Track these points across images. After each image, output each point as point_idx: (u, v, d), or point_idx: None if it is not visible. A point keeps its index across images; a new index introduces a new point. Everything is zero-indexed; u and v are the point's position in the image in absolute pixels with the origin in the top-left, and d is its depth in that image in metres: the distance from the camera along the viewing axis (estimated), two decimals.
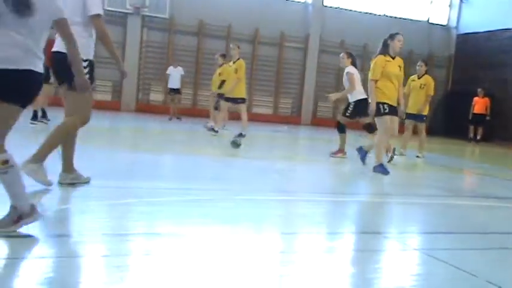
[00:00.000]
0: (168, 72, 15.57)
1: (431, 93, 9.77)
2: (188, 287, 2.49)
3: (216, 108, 12.23)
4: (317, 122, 19.46)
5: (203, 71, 18.14)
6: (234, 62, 10.51)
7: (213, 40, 18.21)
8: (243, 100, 10.42)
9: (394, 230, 4.26)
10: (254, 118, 17.57)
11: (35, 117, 9.84)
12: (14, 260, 2.68)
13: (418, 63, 10.07)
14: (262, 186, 5.68)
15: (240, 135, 9.73)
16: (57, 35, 3.74)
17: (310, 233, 3.83)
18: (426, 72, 9.92)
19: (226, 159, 7.90)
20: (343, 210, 4.87)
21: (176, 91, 15.52)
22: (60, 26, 3.20)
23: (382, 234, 3.96)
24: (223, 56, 12.61)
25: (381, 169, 6.69)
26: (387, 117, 6.80)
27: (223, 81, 11.82)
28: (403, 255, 3.49)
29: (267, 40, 18.70)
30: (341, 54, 8.91)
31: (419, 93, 9.69)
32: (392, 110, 6.86)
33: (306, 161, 8.99)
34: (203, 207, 4.30)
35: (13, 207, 2.94)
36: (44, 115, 10.39)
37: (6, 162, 2.89)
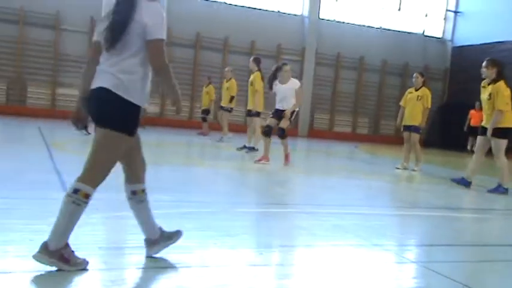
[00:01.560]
0: None
1: (429, 105, 9.72)
2: None
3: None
4: (314, 133, 19.50)
5: (200, 84, 18.19)
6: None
7: (210, 53, 18.28)
8: (257, 113, 10.55)
9: (391, 242, 4.25)
10: None
11: None
12: (8, 274, 2.66)
13: (413, 75, 10.06)
14: (261, 198, 5.68)
15: (253, 149, 9.95)
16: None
17: (309, 246, 3.81)
18: (424, 84, 9.87)
19: (224, 171, 7.89)
20: (340, 222, 4.86)
21: None
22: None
23: (379, 246, 3.95)
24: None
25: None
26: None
27: (232, 97, 12.39)
28: (400, 267, 3.48)
29: (263, 53, 18.75)
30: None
31: (416, 105, 9.70)
32: None
33: (304, 174, 8.98)
34: (200, 219, 4.29)
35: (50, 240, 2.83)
36: None
37: (87, 196, 2.83)
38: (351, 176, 8.55)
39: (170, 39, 17.58)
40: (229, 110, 12.68)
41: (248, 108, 10.89)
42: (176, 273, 2.89)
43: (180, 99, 3.04)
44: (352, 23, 20.20)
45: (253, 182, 7.21)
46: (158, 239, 3.13)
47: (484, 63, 7.46)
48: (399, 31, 21.00)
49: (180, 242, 3.35)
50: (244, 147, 10.45)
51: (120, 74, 2.82)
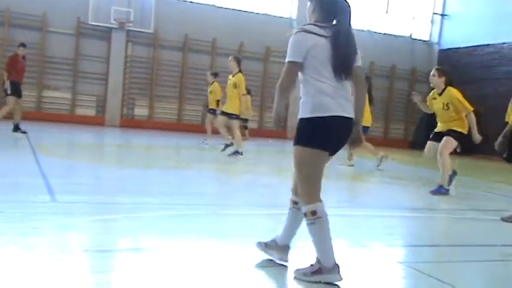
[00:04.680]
0: None
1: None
2: None
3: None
4: None
5: (188, 86, 18.15)
6: (233, 76, 9.92)
7: (197, 55, 18.25)
8: (236, 116, 9.90)
9: (378, 243, 4.26)
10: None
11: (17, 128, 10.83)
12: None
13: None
14: (248, 200, 5.66)
15: (236, 152, 9.69)
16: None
17: (297, 247, 3.81)
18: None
19: (211, 174, 7.87)
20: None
21: None
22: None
23: (367, 247, 3.95)
24: (215, 74, 12.85)
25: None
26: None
27: (218, 101, 12.34)
28: (387, 268, 3.49)
29: (251, 54, 18.79)
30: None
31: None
32: None
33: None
34: (188, 222, 4.27)
35: (317, 259, 2.96)
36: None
37: (314, 213, 2.93)
38: (339, 178, 8.56)
39: (158, 41, 17.55)
40: (215, 114, 12.57)
41: (226, 111, 9.97)
42: (163, 275, 2.86)
43: (274, 121, 3.17)
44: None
45: (241, 183, 7.18)
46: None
47: (432, 72, 7.21)
48: (387, 34, 21.14)
49: (160, 245, 3.33)
50: (226, 146, 10.25)
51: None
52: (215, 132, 10.36)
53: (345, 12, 3.05)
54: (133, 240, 3.53)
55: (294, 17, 19.46)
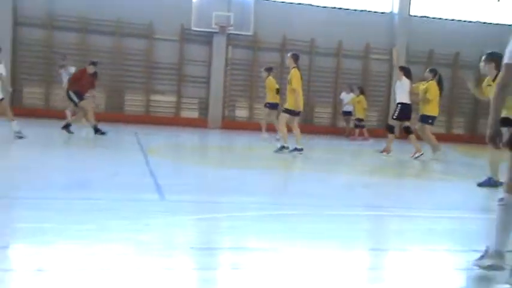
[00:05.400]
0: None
1: None
2: None
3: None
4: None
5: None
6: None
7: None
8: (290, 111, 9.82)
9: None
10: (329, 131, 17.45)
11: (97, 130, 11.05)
12: (109, 271, 2.81)
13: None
14: (350, 201, 5.58)
15: (295, 149, 9.65)
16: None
17: (401, 250, 3.68)
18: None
19: (311, 174, 7.84)
20: (434, 226, 4.65)
21: None
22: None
23: (479, 252, 3.72)
24: (269, 69, 13.42)
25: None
26: None
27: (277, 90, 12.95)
28: (502, 274, 3.25)
29: (350, 53, 18.48)
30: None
31: None
32: None
33: (392, 176, 8.71)
34: (290, 222, 4.29)
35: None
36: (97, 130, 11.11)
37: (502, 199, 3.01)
38: (443, 178, 8.16)
39: (257, 44, 17.83)
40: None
41: (286, 106, 9.96)
42: (266, 273, 2.89)
43: (489, 138, 2.97)
44: (446, 18, 19.30)
45: (340, 183, 7.09)
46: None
47: (483, 58, 6.69)
48: (499, 24, 19.76)
49: (263, 244, 3.37)
50: (295, 149, 9.97)
51: None
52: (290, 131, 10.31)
53: None
54: (237, 239, 3.61)
55: (395, 11, 18.84)
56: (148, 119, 16.95)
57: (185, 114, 17.83)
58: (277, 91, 12.94)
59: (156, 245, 3.28)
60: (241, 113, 18.32)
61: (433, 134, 10.45)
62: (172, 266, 2.95)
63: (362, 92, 16.48)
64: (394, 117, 10.72)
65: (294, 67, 9.89)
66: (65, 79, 12.88)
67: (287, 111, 9.87)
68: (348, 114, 17.13)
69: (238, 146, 12.82)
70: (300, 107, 9.80)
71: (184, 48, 17.51)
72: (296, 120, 10.00)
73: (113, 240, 3.33)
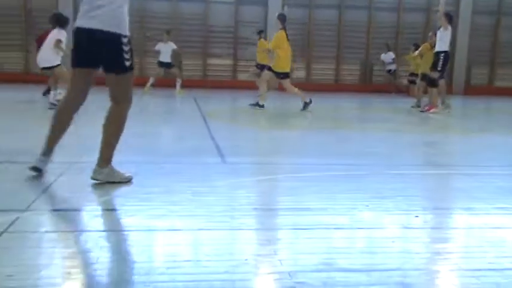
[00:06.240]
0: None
1: None
2: (339, 260, 2.48)
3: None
4: (471, 91, 17.97)
5: (345, 44, 17.84)
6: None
7: (353, 11, 17.75)
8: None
9: None
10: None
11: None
12: (174, 231, 2.91)
13: None
14: (411, 160, 5.47)
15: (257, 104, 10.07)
16: None
17: (468, 209, 3.59)
18: None
19: (373, 133, 7.71)
20: (505, 184, 4.48)
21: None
22: None
23: None
24: (259, 32, 14.05)
25: None
26: None
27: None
28: None
29: (412, 6, 17.75)
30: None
31: None
32: None
33: (460, 133, 8.42)
34: (351, 182, 4.26)
35: None
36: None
37: None
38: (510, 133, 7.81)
39: (313, 1, 17.41)
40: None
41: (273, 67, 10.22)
42: (328, 233, 2.91)
43: None
44: None
45: (403, 143, 6.94)
46: None
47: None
48: None
49: (324, 204, 3.38)
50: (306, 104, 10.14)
51: None
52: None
53: None
54: (297, 200, 3.63)
55: None
56: (204, 83, 17.09)
57: (242, 77, 17.85)
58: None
59: (220, 206, 3.36)
60: (299, 73, 18.13)
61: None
62: (237, 227, 3.01)
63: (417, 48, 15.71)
64: (439, 68, 10.21)
65: (280, 28, 9.92)
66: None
67: (270, 70, 10.12)
68: (391, 73, 17.10)
69: (293, 107, 12.74)
70: (284, 68, 9.96)
71: (239, 10, 17.38)
72: (288, 82, 10.25)
73: (179, 202, 3.44)
